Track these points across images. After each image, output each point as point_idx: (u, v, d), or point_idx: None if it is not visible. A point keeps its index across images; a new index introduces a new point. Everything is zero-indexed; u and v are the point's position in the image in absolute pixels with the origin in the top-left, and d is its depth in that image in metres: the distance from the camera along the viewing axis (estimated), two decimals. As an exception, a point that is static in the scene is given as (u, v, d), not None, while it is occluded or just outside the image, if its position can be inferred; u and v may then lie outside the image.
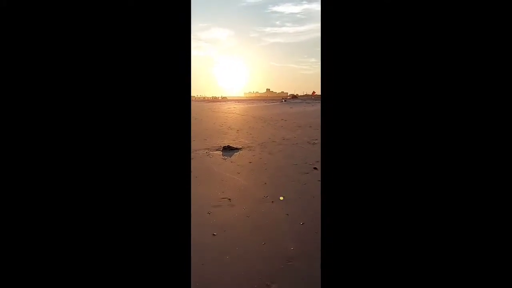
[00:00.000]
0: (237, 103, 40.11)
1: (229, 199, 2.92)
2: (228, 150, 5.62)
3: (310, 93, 72.39)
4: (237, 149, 5.70)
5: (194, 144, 6.31)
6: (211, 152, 5.44)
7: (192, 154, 5.26)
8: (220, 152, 5.44)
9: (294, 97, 59.73)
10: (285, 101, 41.45)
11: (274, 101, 49.06)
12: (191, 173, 4.00)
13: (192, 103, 45.84)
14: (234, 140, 6.78)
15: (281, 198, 2.58)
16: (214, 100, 72.69)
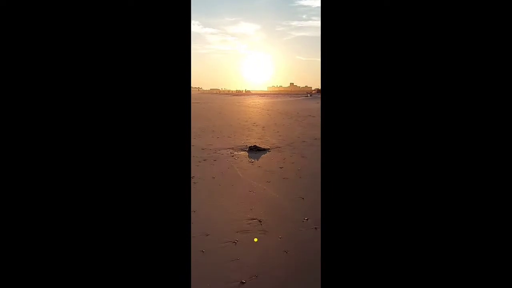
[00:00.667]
0: (260, 97, 39.47)
1: (260, 221, 2.33)
2: (254, 151, 5.03)
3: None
4: (264, 150, 5.10)
5: (218, 142, 5.80)
6: (236, 153, 4.89)
7: (215, 154, 4.75)
8: (245, 153, 4.87)
9: (319, 91, 58.03)
10: (310, 95, 40.07)
11: (298, 95, 47.74)
12: (214, 179, 3.48)
13: (217, 96, 46.16)
14: (260, 139, 6.18)
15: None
16: (238, 93, 72.64)
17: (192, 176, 3.47)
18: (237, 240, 2.03)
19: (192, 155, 4.55)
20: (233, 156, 4.67)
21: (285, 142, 5.81)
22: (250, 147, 5.22)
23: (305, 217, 2.38)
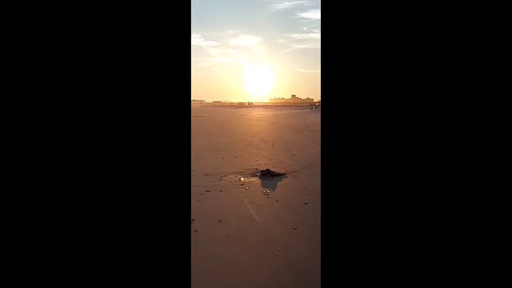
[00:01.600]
0: (264, 109, 38.91)
1: (298, 316, 1.46)
2: (268, 177, 4.18)
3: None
4: (279, 175, 4.25)
5: (224, 165, 4.96)
6: (246, 180, 4.04)
7: (221, 182, 3.91)
8: (257, 180, 4.02)
9: (323, 103, 57.63)
10: (315, 108, 39.43)
11: (302, 107, 47.19)
12: (221, 223, 2.63)
13: (220, 109, 45.74)
14: (271, 160, 5.35)
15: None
16: (241, 105, 72.57)
17: (192, 218, 2.62)
18: None
19: (193, 184, 3.71)
20: (243, 185, 3.82)
21: (302, 164, 4.96)
22: (262, 171, 4.38)
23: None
